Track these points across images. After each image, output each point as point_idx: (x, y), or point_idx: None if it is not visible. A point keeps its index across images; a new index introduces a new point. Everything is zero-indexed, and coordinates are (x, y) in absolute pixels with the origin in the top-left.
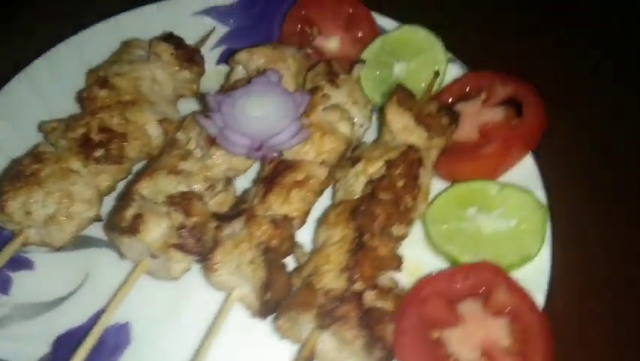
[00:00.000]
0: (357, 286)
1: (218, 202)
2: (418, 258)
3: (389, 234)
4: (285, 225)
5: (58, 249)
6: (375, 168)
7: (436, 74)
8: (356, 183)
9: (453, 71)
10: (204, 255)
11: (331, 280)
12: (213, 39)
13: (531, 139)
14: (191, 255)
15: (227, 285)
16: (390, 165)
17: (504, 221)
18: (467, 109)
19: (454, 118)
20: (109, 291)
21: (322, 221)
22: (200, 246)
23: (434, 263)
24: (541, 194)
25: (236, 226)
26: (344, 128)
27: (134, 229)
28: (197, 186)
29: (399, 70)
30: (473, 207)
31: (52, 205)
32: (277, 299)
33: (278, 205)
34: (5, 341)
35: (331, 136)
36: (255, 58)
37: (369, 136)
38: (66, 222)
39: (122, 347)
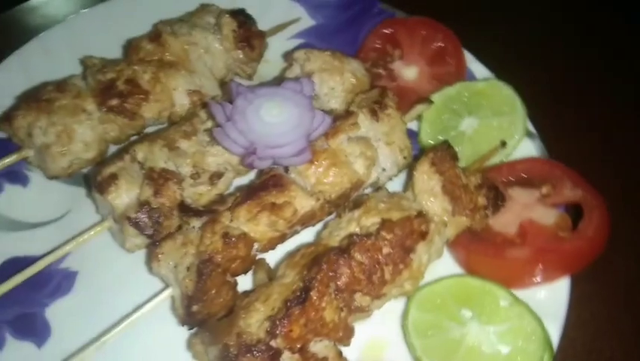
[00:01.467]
0: (278, 341)
1: (196, 193)
2: (384, 338)
3: (346, 300)
4: (238, 244)
5: (50, 178)
6: (370, 222)
7: (502, 144)
8: (344, 229)
9: (528, 148)
10: (156, 239)
11: (255, 322)
12: (295, 29)
13: (574, 263)
14: (142, 234)
15: (164, 278)
16: (384, 225)
17: (496, 342)
18: (519, 197)
19: (497, 202)
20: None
21: (289, 255)
22: (153, 229)
23: (399, 352)
24: (556, 330)
25: (196, 224)
26: (359, 166)
27: (103, 187)
28: (184, 170)
29: (466, 125)
30: (472, 310)
31: (51, 136)
32: (209, 314)
33: (244, 220)
34: None
35: (339, 170)
36: (312, 60)
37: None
38: (59, 155)
39: (61, 292)
